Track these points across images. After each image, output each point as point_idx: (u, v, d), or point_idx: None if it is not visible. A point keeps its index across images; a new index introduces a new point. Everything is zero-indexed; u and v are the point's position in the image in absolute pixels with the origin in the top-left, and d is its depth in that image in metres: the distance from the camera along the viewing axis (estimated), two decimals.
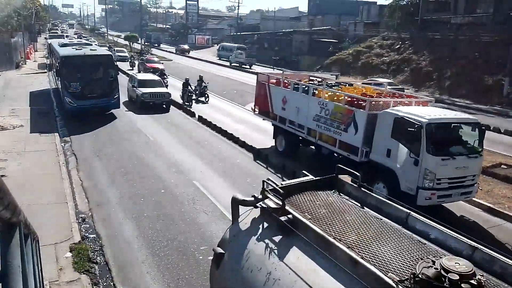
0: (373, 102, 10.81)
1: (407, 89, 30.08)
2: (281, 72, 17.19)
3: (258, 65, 49.21)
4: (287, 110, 13.92)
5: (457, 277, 2.56)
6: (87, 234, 8.74)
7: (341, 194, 4.33)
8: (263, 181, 4.02)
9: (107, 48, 37.58)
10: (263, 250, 3.59)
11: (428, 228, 3.58)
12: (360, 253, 3.09)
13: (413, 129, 9.21)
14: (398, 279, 2.74)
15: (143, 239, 8.57)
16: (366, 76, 35.49)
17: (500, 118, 22.89)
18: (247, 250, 3.73)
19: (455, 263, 2.70)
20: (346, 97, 11.59)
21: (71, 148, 14.55)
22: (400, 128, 9.65)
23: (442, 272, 2.64)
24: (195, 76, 25.80)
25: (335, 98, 12.07)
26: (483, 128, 10.04)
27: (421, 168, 9.19)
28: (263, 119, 16.04)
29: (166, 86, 23.54)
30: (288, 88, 14.08)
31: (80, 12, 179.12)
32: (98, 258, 7.88)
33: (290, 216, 3.54)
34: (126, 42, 64.39)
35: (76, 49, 19.90)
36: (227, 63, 50.04)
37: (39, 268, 3.70)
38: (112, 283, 7.19)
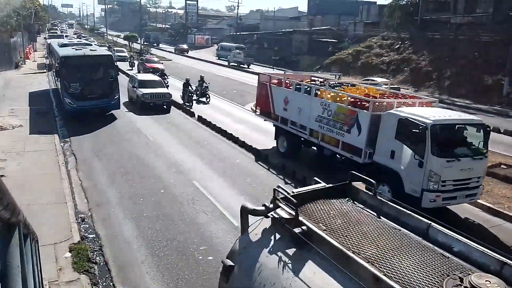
0: (377, 103, 10.71)
1: (407, 88, 30.11)
2: (283, 72, 17.12)
3: (258, 65, 49.24)
4: (289, 111, 13.81)
5: None
6: (87, 234, 8.73)
7: (356, 203, 4.13)
8: (274, 189, 3.81)
9: (106, 48, 37.49)
10: (276, 263, 3.38)
11: (451, 240, 3.36)
12: (380, 268, 2.91)
13: (417, 130, 9.09)
14: None
15: (142, 239, 8.56)
16: (366, 76, 35.51)
17: (500, 118, 22.90)
18: (258, 263, 3.53)
19: (486, 281, 2.51)
20: (349, 98, 11.50)
21: (71, 148, 14.53)
22: (404, 129, 9.55)
23: None
24: (195, 76, 25.81)
25: (338, 98, 12.00)
26: (488, 129, 9.92)
27: (425, 170, 9.09)
28: (265, 120, 15.96)
29: (167, 87, 23.39)
30: (290, 88, 13.95)
31: (80, 12, 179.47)
32: (98, 258, 7.87)
33: (304, 227, 3.33)
34: (126, 42, 64.42)
35: (76, 49, 19.69)
36: (226, 63, 50.11)
37: (39, 268, 3.69)
38: (111, 283, 7.19)
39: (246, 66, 48.03)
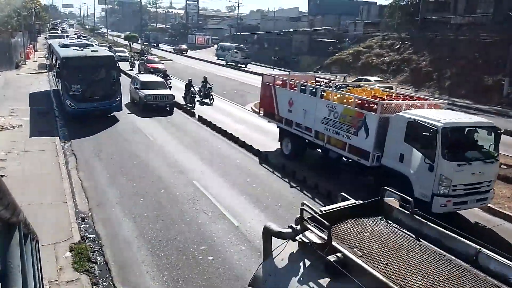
0: (385, 105, 10.49)
1: (407, 89, 30.11)
2: (285, 73, 16.98)
3: (257, 65, 49.31)
4: (293, 113, 13.61)
5: None
6: (87, 234, 8.74)
7: (389, 222, 3.78)
8: (301, 209, 3.40)
9: (107, 48, 37.44)
10: None
11: (505, 268, 3.01)
12: None
13: (427, 134, 8.90)
14: None
15: (143, 239, 8.57)
16: (367, 76, 35.51)
17: (500, 118, 22.86)
18: None
19: None
20: (356, 100, 11.27)
21: (71, 148, 14.54)
22: (414, 132, 9.38)
23: None
24: (194, 76, 25.78)
25: (345, 100, 11.77)
26: (499, 132, 9.69)
27: (436, 174, 8.90)
28: (268, 121, 15.81)
29: (169, 88, 22.99)
30: (295, 90, 13.75)
31: (80, 12, 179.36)
32: (98, 258, 7.88)
33: (339, 254, 2.97)
34: (126, 42, 64.44)
35: (77, 50, 19.36)
36: (224, 63, 50.24)
37: (39, 268, 3.70)
38: (111, 283, 7.19)
39: (243, 66, 48.20)
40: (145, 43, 66.06)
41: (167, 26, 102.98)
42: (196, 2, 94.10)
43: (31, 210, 8.48)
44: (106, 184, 11.46)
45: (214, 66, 48.36)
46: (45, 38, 60.16)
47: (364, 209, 3.87)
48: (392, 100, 11.55)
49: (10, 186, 2.25)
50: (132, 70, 35.79)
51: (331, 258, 2.96)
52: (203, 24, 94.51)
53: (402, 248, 3.29)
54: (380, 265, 3.01)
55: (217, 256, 8.01)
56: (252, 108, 22.44)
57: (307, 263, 3.22)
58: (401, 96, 12.98)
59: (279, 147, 14.86)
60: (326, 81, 15.25)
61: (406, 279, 2.84)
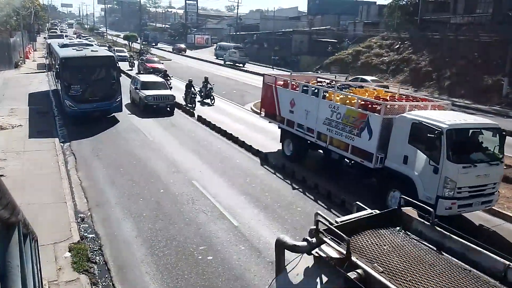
0: (388, 106, 10.36)
1: (407, 89, 30.13)
2: (285, 73, 16.91)
3: (258, 65, 49.33)
4: (295, 113, 13.48)
5: None
6: (86, 234, 8.73)
7: (408, 233, 3.62)
8: (316, 220, 3.22)
9: (107, 48, 37.38)
10: None
11: None
12: None
13: (432, 135, 8.79)
14: None
15: (142, 239, 8.56)
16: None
17: (499, 118, 22.87)
18: None
19: None
20: (359, 101, 11.13)
21: (70, 148, 14.52)
22: (418, 133, 9.29)
23: None
24: (193, 76, 25.74)
25: (347, 101, 11.63)
26: (504, 133, 9.56)
27: (441, 176, 8.82)
28: (269, 122, 15.72)
29: (170, 88, 22.79)
30: (297, 90, 13.61)
31: (79, 11, 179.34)
32: (97, 258, 7.87)
33: (359, 271, 2.80)
34: (126, 42, 64.45)
35: (77, 50, 19.19)
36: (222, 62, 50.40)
37: (38, 268, 3.69)
38: (111, 283, 7.19)
39: (241, 65, 48.28)
40: (144, 42, 66.12)
41: (167, 26, 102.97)
42: (195, 2, 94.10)
43: (30, 210, 8.47)
44: (105, 184, 11.45)
45: (213, 65, 48.35)
46: (44, 37, 60.09)
47: (381, 219, 3.70)
48: (395, 101, 11.42)
49: (10, 186, 2.24)
50: (131, 69, 35.75)
51: (351, 274, 2.79)
52: (202, 24, 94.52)
53: (425, 262, 3.12)
54: (403, 282, 2.84)
55: (217, 256, 8.01)
56: (251, 108, 22.43)
57: (324, 279, 3.04)
58: (404, 97, 12.85)
59: (280, 147, 14.81)
60: (328, 81, 15.16)
61: None
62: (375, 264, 3.03)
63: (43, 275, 5.13)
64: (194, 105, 22.21)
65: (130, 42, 62.51)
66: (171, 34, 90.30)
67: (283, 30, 58.01)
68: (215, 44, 66.48)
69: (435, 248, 3.38)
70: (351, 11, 59.08)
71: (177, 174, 12.36)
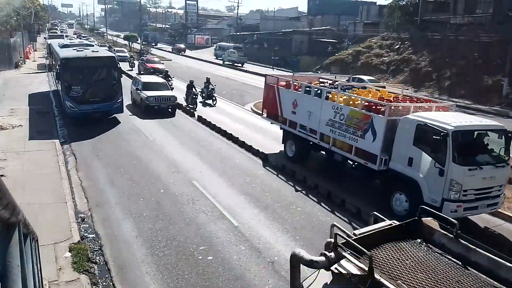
0: (393, 107, 10.29)
1: (407, 89, 30.11)
2: (287, 73, 16.80)
3: (258, 65, 49.36)
4: (297, 114, 13.37)
5: None
6: (87, 234, 8.73)
7: (430, 246, 3.44)
8: (336, 234, 3.05)
9: (107, 48, 37.32)
10: None
11: None
12: None
13: (438, 137, 8.70)
14: None
15: (142, 239, 8.57)
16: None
17: (499, 119, 22.84)
18: None
19: None
20: (363, 102, 11.00)
21: (71, 148, 14.53)
22: (423, 135, 9.21)
23: None
24: (194, 76, 25.73)
25: (351, 102, 11.48)
26: (510, 135, 9.41)
27: (446, 178, 8.72)
28: (271, 123, 15.60)
29: (171, 89, 22.65)
30: (299, 91, 13.49)
31: (80, 11, 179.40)
32: (98, 258, 7.87)
33: None
34: (126, 42, 64.44)
35: (78, 51, 19.01)
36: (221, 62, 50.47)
37: (38, 268, 3.69)
38: (111, 283, 7.19)
39: (240, 65, 48.38)
40: (144, 42, 66.15)
41: (167, 26, 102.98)
42: (195, 2, 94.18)
43: (30, 210, 8.48)
44: (105, 184, 11.46)
45: (213, 65, 48.39)
46: (45, 38, 60.08)
47: (401, 231, 3.50)
48: (399, 102, 11.32)
49: (10, 186, 2.25)
50: (131, 70, 35.74)
51: None
52: (202, 24, 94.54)
53: (451, 278, 2.96)
54: None
55: (217, 256, 8.01)
56: (251, 108, 22.44)
57: None
58: (408, 97, 12.74)
59: (281, 148, 14.75)
60: (331, 82, 15.05)
61: None
62: (399, 281, 2.84)
63: (44, 275, 5.13)
64: (195, 106, 22.13)
65: (130, 42, 62.50)
66: (171, 34, 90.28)
67: (283, 30, 57.99)
68: (215, 44, 66.55)
69: (460, 263, 3.21)
70: (351, 11, 59.07)
71: (177, 174, 12.36)
